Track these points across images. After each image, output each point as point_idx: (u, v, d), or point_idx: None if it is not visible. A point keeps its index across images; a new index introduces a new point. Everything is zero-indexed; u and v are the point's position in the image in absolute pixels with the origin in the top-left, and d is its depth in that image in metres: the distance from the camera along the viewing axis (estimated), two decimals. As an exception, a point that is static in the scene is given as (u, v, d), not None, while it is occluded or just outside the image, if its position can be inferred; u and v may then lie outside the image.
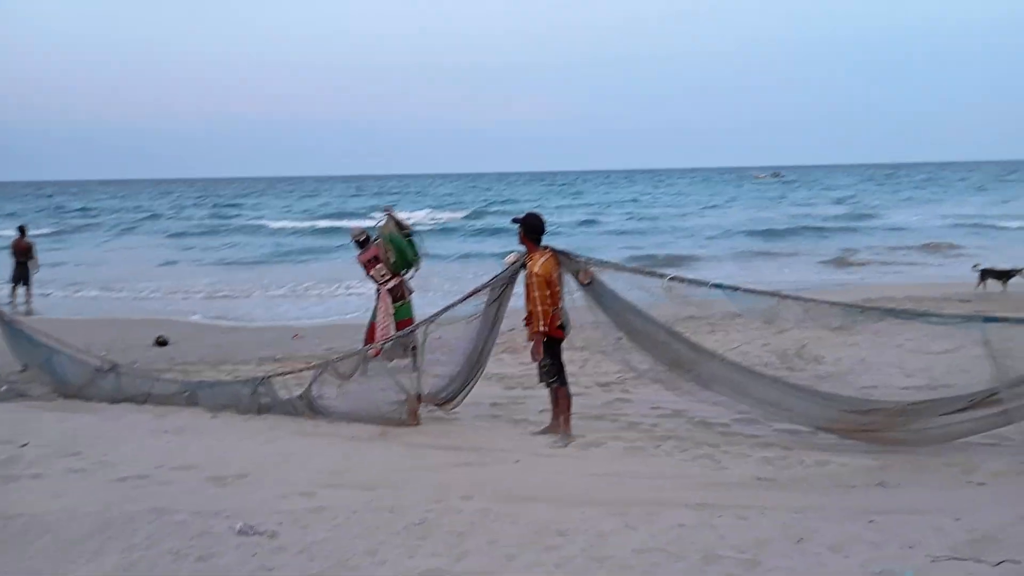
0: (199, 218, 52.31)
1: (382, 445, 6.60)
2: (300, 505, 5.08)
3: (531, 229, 6.55)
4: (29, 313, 15.61)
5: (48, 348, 8.76)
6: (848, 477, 5.47)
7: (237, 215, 55.10)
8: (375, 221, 9.51)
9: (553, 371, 6.56)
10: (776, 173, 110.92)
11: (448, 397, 7.27)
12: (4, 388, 8.61)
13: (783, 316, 6.14)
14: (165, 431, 7.08)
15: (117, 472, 5.84)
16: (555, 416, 6.69)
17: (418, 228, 10.50)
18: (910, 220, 38.52)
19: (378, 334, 8.79)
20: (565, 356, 6.74)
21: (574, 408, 6.74)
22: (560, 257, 6.57)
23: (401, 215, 9.69)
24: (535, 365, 6.69)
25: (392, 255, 9.05)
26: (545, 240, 6.65)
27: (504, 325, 7.31)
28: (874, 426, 5.87)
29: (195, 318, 15.96)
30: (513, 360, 9.73)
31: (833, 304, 6.08)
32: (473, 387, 7.23)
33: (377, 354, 7.42)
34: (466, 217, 47.11)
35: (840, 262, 23.87)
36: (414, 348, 7.59)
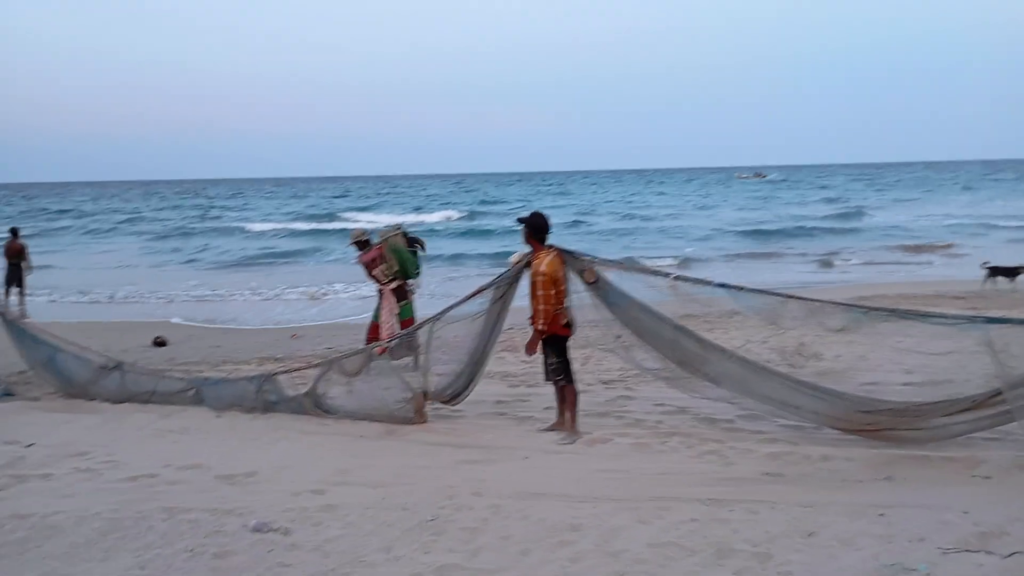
0: (182, 220, 51.68)
1: (389, 443, 6.62)
2: (311, 503, 5.10)
3: (536, 228, 6.58)
4: (23, 316, 15.50)
5: (51, 347, 8.71)
6: (854, 472, 5.52)
7: (219, 216, 54.74)
8: (373, 225, 9.55)
9: (560, 369, 6.61)
10: (759, 173, 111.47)
11: (453, 394, 7.29)
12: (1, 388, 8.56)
13: (786, 317, 6.17)
14: (170, 431, 7.08)
15: (125, 472, 5.84)
16: (561, 413, 6.72)
17: (414, 230, 10.52)
18: (899, 219, 38.81)
19: (383, 333, 8.79)
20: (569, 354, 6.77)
21: (578, 405, 6.77)
22: (565, 256, 6.60)
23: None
24: (541, 363, 6.73)
25: (395, 264, 9.07)
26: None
27: (505, 323, 7.34)
28: (880, 425, 5.91)
29: (182, 321, 15.81)
30: (515, 358, 9.75)
31: (837, 305, 6.11)
32: (476, 384, 7.23)
33: (383, 352, 7.42)
34: (462, 218, 47.11)
35: (825, 263, 24.02)
36: (418, 347, 7.61)
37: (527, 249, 6.70)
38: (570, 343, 6.74)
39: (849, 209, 45.79)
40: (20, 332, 8.99)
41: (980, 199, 52.11)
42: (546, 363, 6.68)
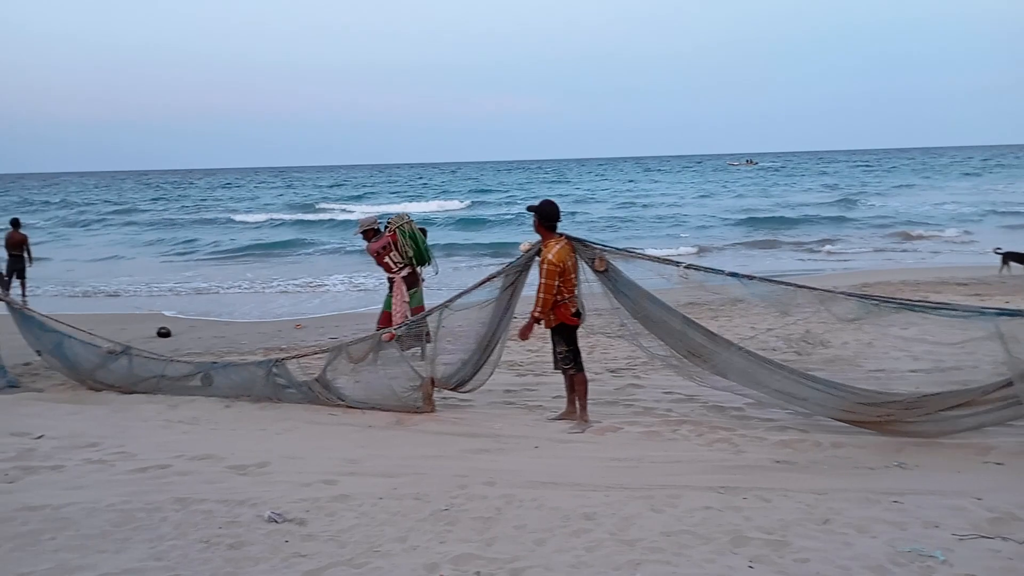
0: (174, 211, 51.31)
1: (399, 433, 6.61)
2: (324, 493, 5.09)
3: (546, 216, 6.57)
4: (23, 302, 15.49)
5: (59, 333, 8.72)
6: (865, 459, 5.53)
7: (210, 207, 54.22)
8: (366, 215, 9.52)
9: (570, 357, 6.61)
10: (750, 160, 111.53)
11: (460, 381, 7.28)
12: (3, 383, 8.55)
13: (799, 307, 6.15)
14: (180, 421, 7.08)
15: (136, 463, 5.83)
16: (570, 402, 6.73)
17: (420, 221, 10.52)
18: (898, 205, 38.82)
19: (395, 321, 8.78)
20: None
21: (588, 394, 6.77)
22: (575, 244, 6.59)
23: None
24: (550, 351, 6.73)
25: (410, 250, 9.06)
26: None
27: (516, 311, 7.33)
28: (889, 417, 5.91)
29: (179, 314, 15.63)
30: (521, 347, 9.75)
31: (849, 295, 6.09)
32: (491, 373, 7.22)
33: (391, 338, 7.41)
34: (464, 207, 47.02)
35: (825, 250, 24.01)
36: (427, 335, 7.61)
37: (537, 237, 6.68)
38: (579, 332, 6.73)
39: (848, 195, 45.77)
40: (27, 319, 8.98)
41: (981, 185, 52.08)
42: (555, 352, 6.68)
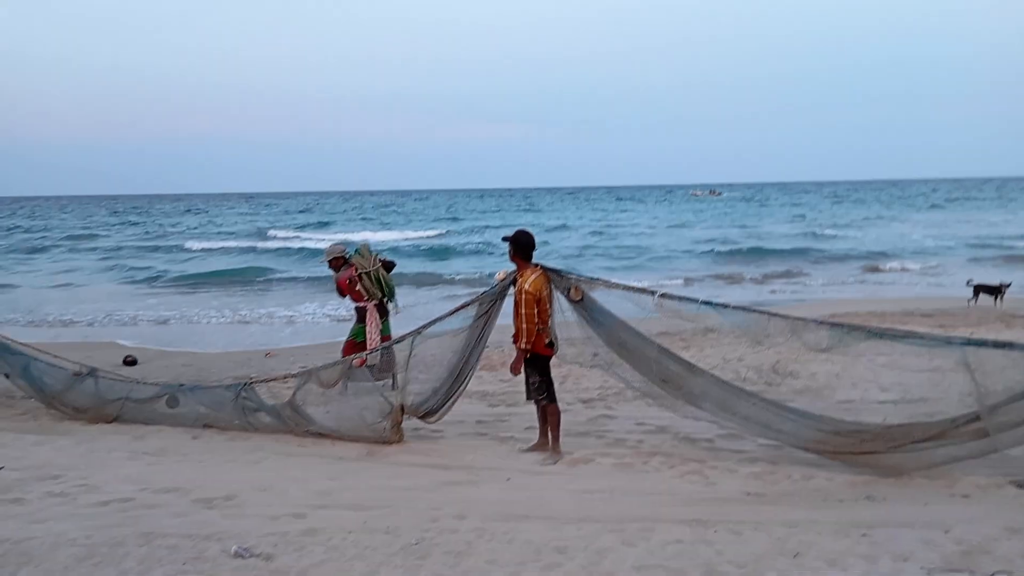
0: (129, 237, 49.75)
1: (370, 465, 6.55)
2: (293, 527, 5.01)
3: (521, 246, 6.58)
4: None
5: (25, 356, 8.59)
6: (835, 491, 5.56)
7: (171, 233, 52.97)
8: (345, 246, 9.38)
9: (542, 388, 6.60)
10: (713, 191, 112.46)
11: (430, 410, 7.24)
12: None
13: (772, 336, 6.20)
14: (146, 452, 6.95)
15: (99, 496, 5.70)
16: (543, 433, 6.72)
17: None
18: (865, 237, 39.42)
19: (368, 348, 8.69)
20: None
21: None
22: (550, 274, 6.61)
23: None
24: (522, 382, 6.72)
25: (377, 292, 9.03)
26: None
27: (488, 341, 7.31)
28: (860, 448, 5.95)
29: (140, 344, 14.99)
30: (493, 378, 9.73)
31: (820, 323, 6.15)
32: (456, 401, 7.19)
33: (363, 364, 7.34)
34: (436, 236, 46.73)
35: (794, 280, 24.27)
36: (395, 365, 7.57)
37: (512, 267, 6.69)
38: (551, 362, 6.73)
39: (816, 227, 46.37)
40: None
41: (947, 217, 53.05)
42: (528, 382, 6.66)
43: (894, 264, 27.82)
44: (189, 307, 20.59)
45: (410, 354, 7.15)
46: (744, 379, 8.74)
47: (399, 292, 9.28)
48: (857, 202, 79.65)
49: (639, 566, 4.32)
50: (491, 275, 7.27)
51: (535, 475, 6.14)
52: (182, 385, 8.33)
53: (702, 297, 6.60)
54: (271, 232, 50.15)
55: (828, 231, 43.23)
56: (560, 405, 6.93)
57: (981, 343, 5.76)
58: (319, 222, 63.29)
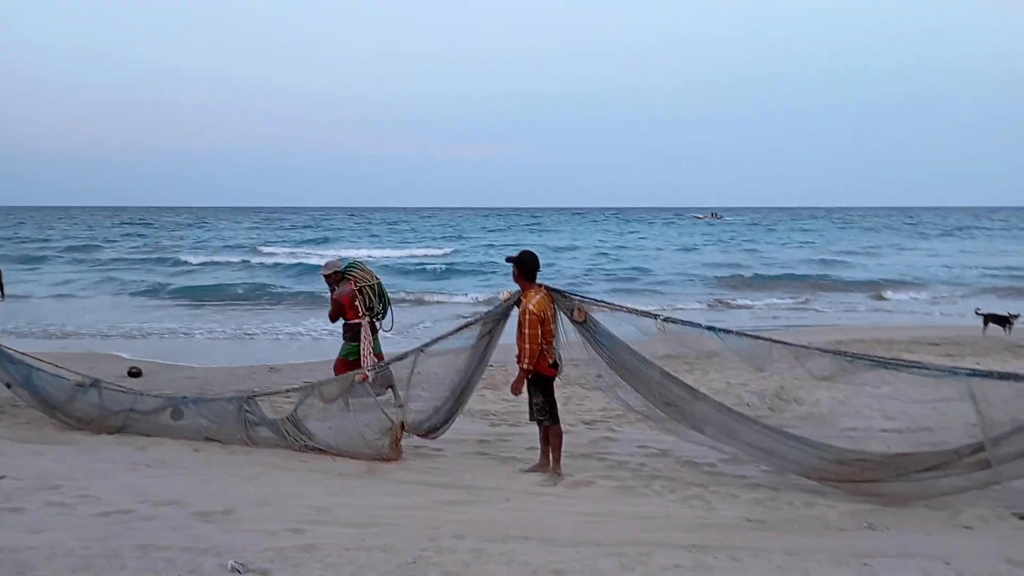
0: (132, 249, 49.51)
1: (370, 482, 6.52)
2: (290, 543, 5.00)
3: (525, 267, 6.59)
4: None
5: (27, 366, 8.60)
6: (837, 519, 5.53)
7: (168, 246, 52.22)
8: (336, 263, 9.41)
9: (546, 409, 6.59)
10: (715, 214, 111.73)
11: (431, 428, 7.23)
12: None
13: (772, 361, 6.19)
14: (147, 464, 6.94)
15: (99, 506, 5.69)
16: (544, 454, 6.70)
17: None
18: (874, 264, 39.34)
19: (366, 364, 8.69)
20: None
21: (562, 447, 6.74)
22: (554, 295, 6.63)
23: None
24: (525, 401, 6.71)
25: (376, 305, 9.09)
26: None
27: (491, 360, 7.31)
28: (862, 477, 5.92)
29: (140, 357, 14.64)
30: (496, 397, 9.71)
31: (824, 352, 6.14)
32: (455, 420, 7.19)
33: (365, 379, 7.35)
34: (446, 255, 46.57)
35: (801, 306, 24.19)
36: (394, 382, 7.59)
37: (516, 287, 6.71)
38: (555, 383, 6.73)
39: (823, 253, 46.30)
40: None
41: (958, 245, 52.87)
42: (531, 403, 6.65)
43: (902, 292, 27.72)
44: (191, 320, 20.59)
45: (412, 372, 7.15)
46: (747, 404, 8.72)
47: (393, 310, 9.36)
48: (866, 229, 79.48)
49: (636, 591, 4.30)
50: (496, 294, 7.25)
51: (535, 496, 6.12)
52: (185, 397, 8.32)
53: (705, 322, 6.58)
54: (266, 249, 49.20)
55: (836, 257, 43.16)
56: (563, 426, 6.91)
57: (986, 374, 5.72)
58: (322, 238, 63.19)
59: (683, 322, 6.50)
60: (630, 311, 6.67)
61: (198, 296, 26.81)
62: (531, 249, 6.85)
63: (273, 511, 5.67)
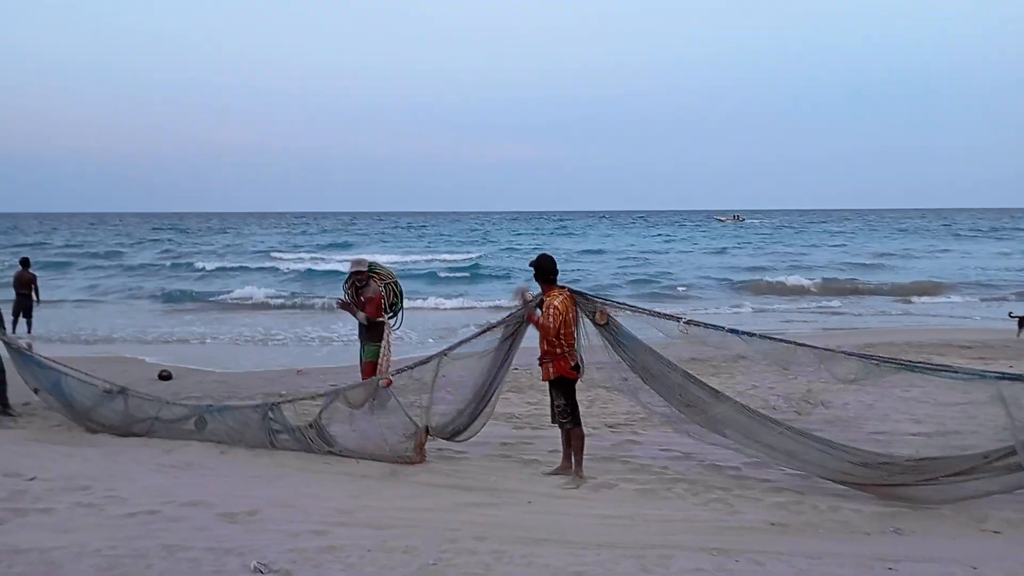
0: (157, 255, 49.81)
1: (392, 484, 6.56)
2: (312, 543, 5.04)
3: (544, 270, 6.63)
4: (29, 348, 15.40)
5: (56, 371, 8.76)
6: (862, 523, 5.46)
7: (192, 252, 52.43)
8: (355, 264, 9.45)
9: (567, 411, 6.59)
10: (737, 216, 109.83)
11: (455, 431, 7.25)
12: None
13: (797, 364, 6.14)
14: (173, 466, 7.04)
15: (126, 507, 5.78)
16: (566, 457, 6.69)
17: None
18: (901, 265, 38.89)
19: (382, 368, 8.71)
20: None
21: (584, 450, 6.72)
22: (576, 298, 6.63)
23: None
24: (548, 405, 6.72)
25: (398, 304, 9.14)
26: None
27: (513, 363, 7.31)
28: (888, 481, 5.85)
29: (173, 361, 14.69)
30: (520, 399, 9.72)
31: (848, 355, 6.07)
32: (485, 423, 7.21)
33: (389, 384, 7.38)
34: (474, 259, 46.33)
35: (833, 308, 23.92)
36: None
37: (538, 290, 6.74)
38: (578, 385, 6.72)
39: (854, 255, 45.78)
40: (27, 358, 9.05)
41: (991, 248, 51.90)
42: (553, 405, 6.66)
43: (934, 294, 27.35)
44: (218, 325, 20.83)
45: (436, 375, 7.18)
46: (773, 407, 8.63)
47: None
48: (898, 231, 78.29)
49: (657, 594, 4.28)
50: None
51: (557, 499, 6.11)
52: (210, 406, 8.43)
53: (728, 325, 6.54)
54: (289, 255, 49.38)
55: (867, 260, 42.64)
56: (586, 429, 6.90)
57: (1016, 377, 5.63)
58: (344, 243, 63.32)
59: (706, 325, 6.47)
60: (652, 314, 6.65)
61: (221, 301, 27.15)
62: (549, 253, 6.88)
63: (296, 512, 5.72)
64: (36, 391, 8.93)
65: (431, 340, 16.89)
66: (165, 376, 12.57)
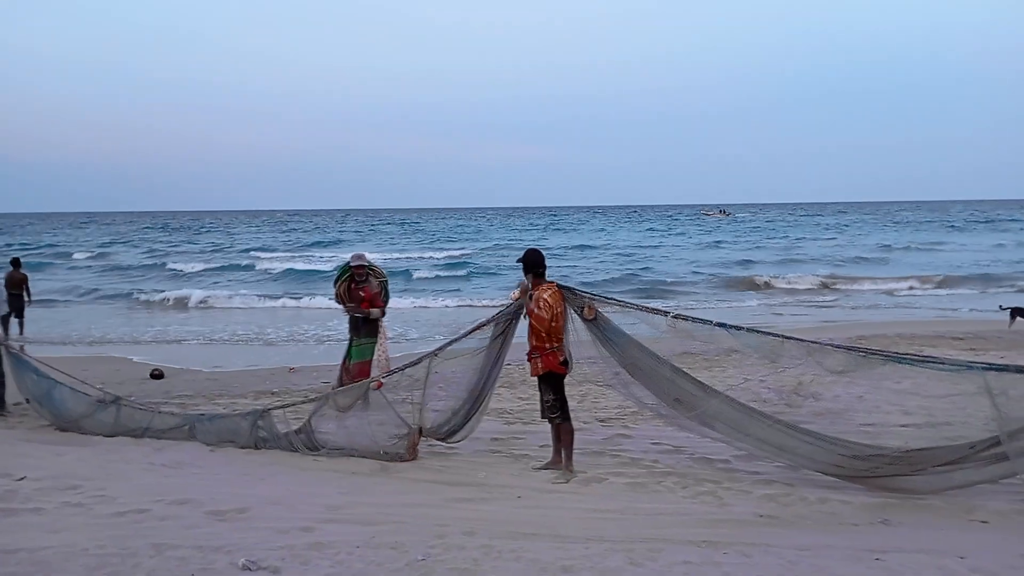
0: (135, 257, 49.51)
1: (382, 480, 6.56)
2: (301, 540, 5.02)
3: (532, 265, 6.63)
4: (21, 348, 15.34)
5: (51, 381, 8.74)
6: (850, 515, 5.48)
7: (184, 252, 52.37)
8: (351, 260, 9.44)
9: (556, 406, 6.59)
10: (724, 211, 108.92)
11: (450, 431, 7.25)
12: None
13: (785, 357, 6.15)
14: (163, 465, 7.02)
15: (115, 506, 5.76)
16: (556, 451, 6.70)
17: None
18: (892, 258, 38.98)
19: (379, 368, 8.73)
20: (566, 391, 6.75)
21: (574, 444, 6.73)
22: (565, 292, 6.63)
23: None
24: (537, 400, 6.72)
25: (386, 296, 9.16)
26: None
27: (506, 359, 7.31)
28: (877, 472, 5.87)
29: (163, 361, 14.63)
30: (511, 395, 9.72)
31: (836, 348, 6.09)
32: (479, 422, 7.22)
33: (380, 386, 7.38)
34: (463, 255, 46.32)
35: (821, 301, 23.96)
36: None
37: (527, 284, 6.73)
38: (567, 380, 6.72)
39: (845, 248, 45.86)
40: (22, 363, 9.02)
41: (985, 239, 51.95)
42: (542, 400, 6.67)
43: (926, 286, 27.41)
44: (212, 323, 20.82)
45: (428, 375, 7.17)
46: (764, 400, 8.64)
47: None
48: (892, 223, 78.31)
49: (645, 587, 4.28)
50: (509, 293, 7.23)
51: (546, 493, 6.12)
52: (202, 415, 8.46)
53: (716, 319, 6.53)
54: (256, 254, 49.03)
55: (859, 252, 42.71)
56: (577, 424, 6.91)
57: (1003, 368, 5.66)
58: (334, 240, 63.19)
59: (693, 319, 6.48)
60: (640, 309, 6.65)
61: (215, 300, 27.13)
62: (535, 247, 6.88)
63: (286, 510, 5.70)
64: (27, 401, 8.92)
65: (415, 334, 16.91)
66: (157, 375, 12.56)
